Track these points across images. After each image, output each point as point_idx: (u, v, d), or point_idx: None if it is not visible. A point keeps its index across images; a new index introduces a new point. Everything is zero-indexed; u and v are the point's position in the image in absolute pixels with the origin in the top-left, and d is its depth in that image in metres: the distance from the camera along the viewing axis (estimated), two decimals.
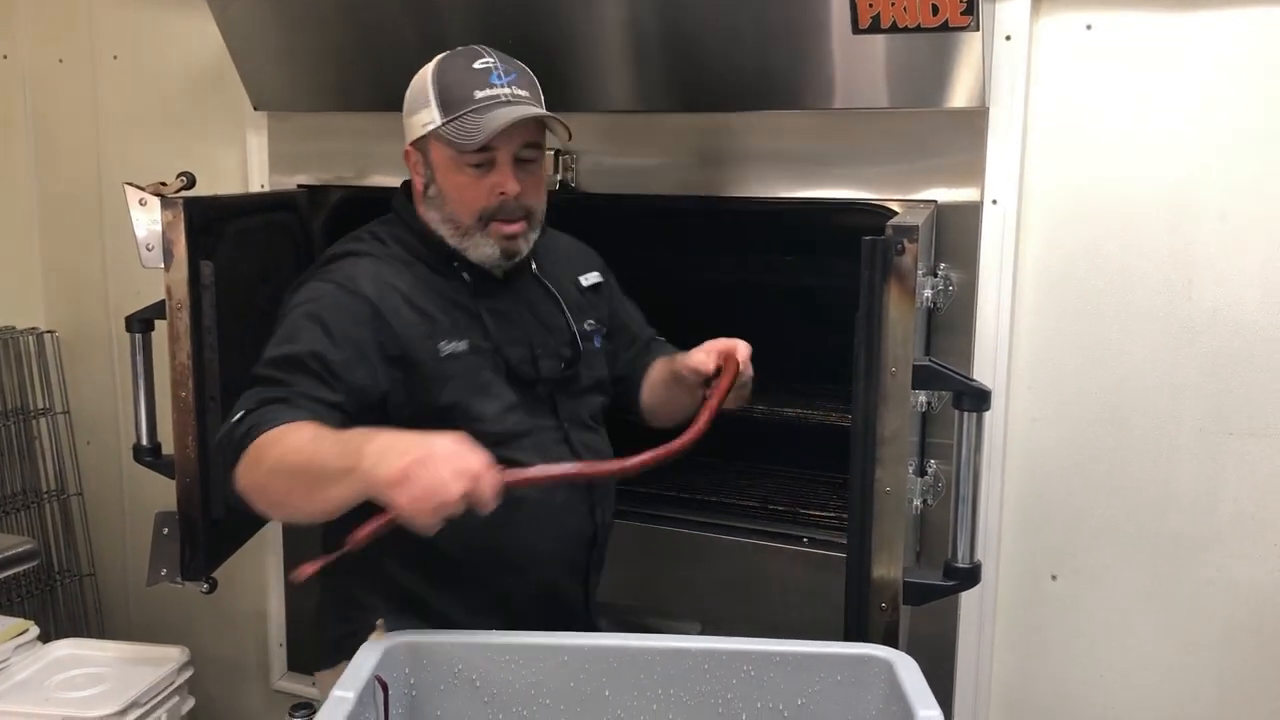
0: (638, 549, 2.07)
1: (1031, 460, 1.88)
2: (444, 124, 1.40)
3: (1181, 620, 1.85)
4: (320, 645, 1.51)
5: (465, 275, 1.47)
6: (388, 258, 1.46)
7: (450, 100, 1.41)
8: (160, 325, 1.82)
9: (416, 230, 1.49)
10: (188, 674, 1.95)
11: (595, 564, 1.56)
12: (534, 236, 1.48)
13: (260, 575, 2.47)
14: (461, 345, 1.43)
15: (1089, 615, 1.91)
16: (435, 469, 1.09)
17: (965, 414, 1.37)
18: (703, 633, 2.05)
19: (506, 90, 1.41)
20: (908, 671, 1.14)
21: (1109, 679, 1.91)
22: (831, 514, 2.04)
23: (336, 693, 1.06)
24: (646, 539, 2.09)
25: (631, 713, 1.18)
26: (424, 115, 1.43)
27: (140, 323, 1.89)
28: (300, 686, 2.52)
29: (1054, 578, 1.92)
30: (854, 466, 1.30)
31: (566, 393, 1.54)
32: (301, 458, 1.19)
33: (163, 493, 1.94)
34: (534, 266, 1.55)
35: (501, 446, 1.32)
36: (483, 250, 1.45)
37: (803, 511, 2.07)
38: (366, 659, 1.13)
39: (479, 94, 1.40)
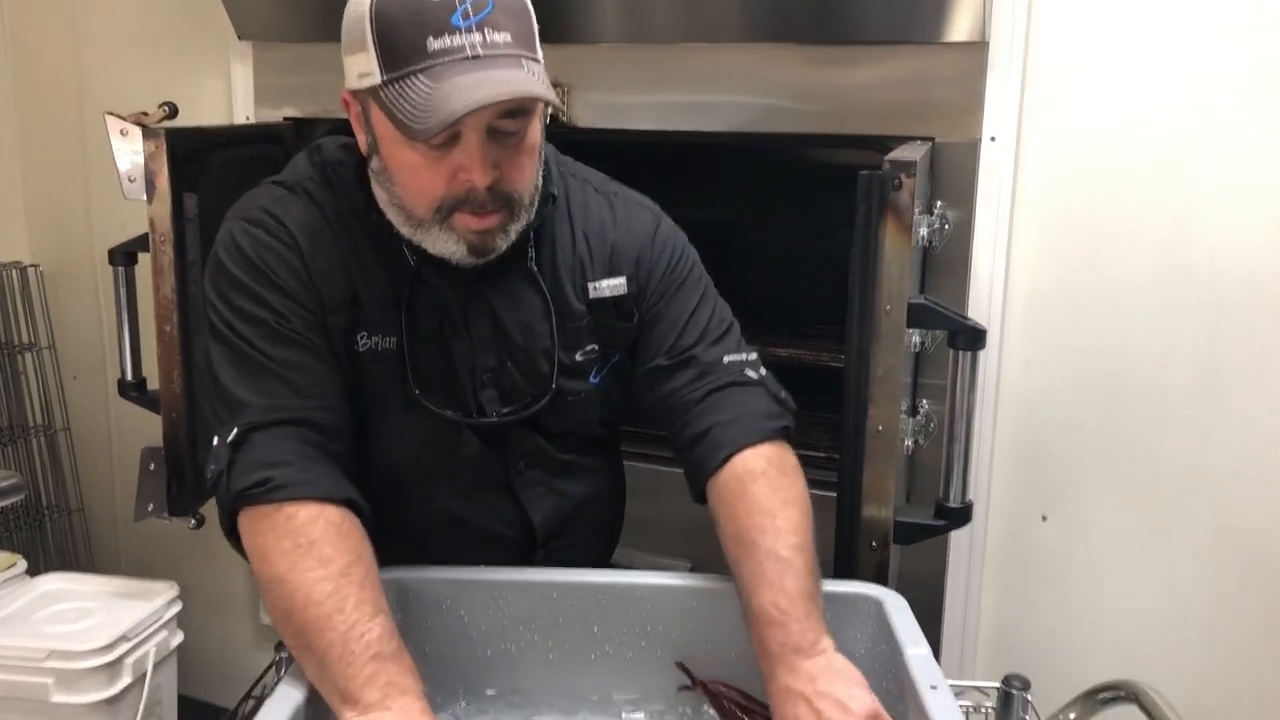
0: (629, 489, 2.07)
1: (1024, 402, 1.88)
2: (385, 83, 1.02)
3: (1171, 564, 1.86)
4: None
5: (411, 258, 1.14)
6: (324, 201, 1.15)
7: (393, 49, 1.01)
8: (144, 259, 1.79)
9: (361, 185, 1.15)
10: (176, 609, 1.95)
11: (554, 554, 1.28)
12: (519, 226, 1.12)
13: None
14: (386, 343, 1.14)
15: (1079, 557, 1.92)
16: None
17: (960, 353, 1.36)
18: (692, 571, 2.06)
19: (475, 38, 1.00)
20: (897, 609, 1.14)
21: (1097, 620, 1.92)
22: (822, 454, 2.03)
23: None
24: (635, 479, 2.08)
25: (620, 648, 1.18)
26: (361, 61, 1.04)
27: (123, 256, 1.86)
28: None
29: (1044, 519, 1.93)
30: (846, 406, 1.29)
31: (534, 429, 1.22)
32: (301, 627, 0.99)
33: (150, 428, 1.92)
34: (531, 256, 1.19)
35: (409, 484, 1.19)
36: (443, 246, 1.10)
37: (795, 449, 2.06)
38: None
39: (434, 44, 0.99)
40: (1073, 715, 1.23)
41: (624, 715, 1.16)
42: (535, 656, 1.18)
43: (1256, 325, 1.73)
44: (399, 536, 1.20)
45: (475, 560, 1.21)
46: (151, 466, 1.82)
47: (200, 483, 1.85)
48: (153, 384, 1.90)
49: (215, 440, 1.07)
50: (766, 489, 1.13)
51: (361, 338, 1.14)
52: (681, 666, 1.16)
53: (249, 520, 1.04)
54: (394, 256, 1.14)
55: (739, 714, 1.11)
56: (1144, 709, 1.14)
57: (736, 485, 1.14)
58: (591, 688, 1.18)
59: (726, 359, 1.21)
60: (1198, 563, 1.84)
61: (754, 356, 1.24)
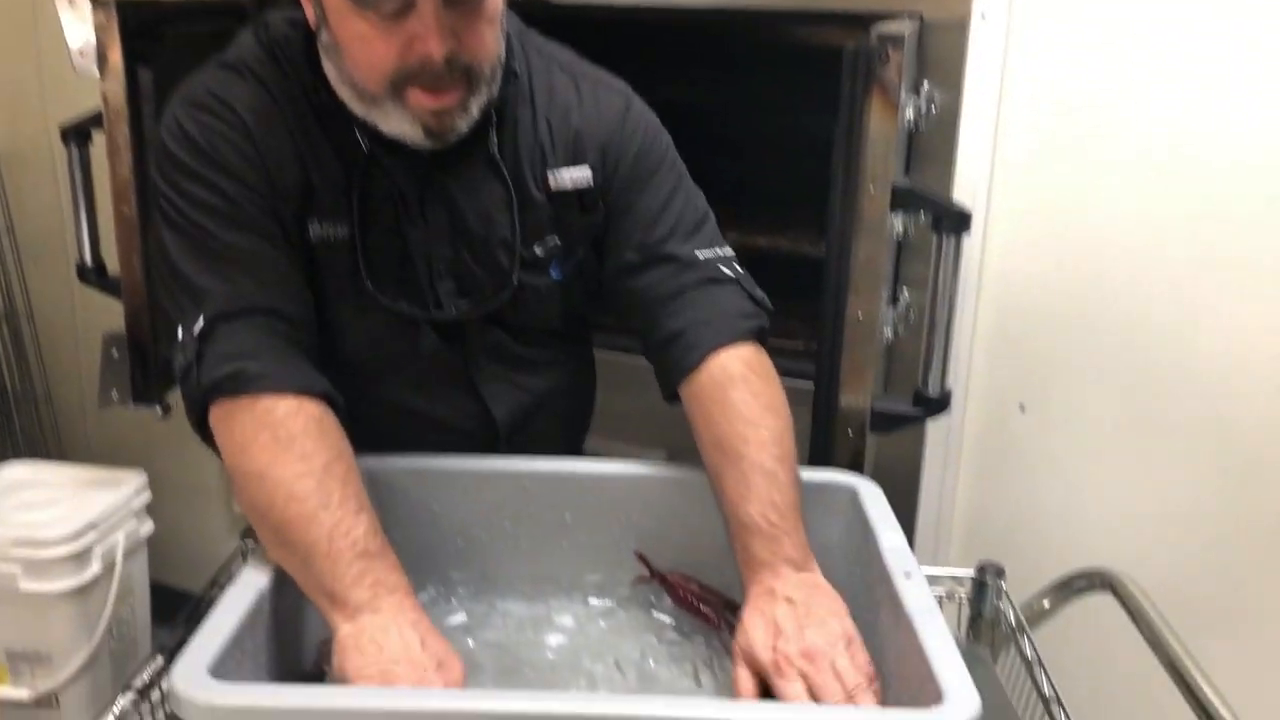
0: (602, 380, 2.05)
1: (1007, 289, 1.85)
2: None
3: (1149, 455, 1.85)
4: None
5: (364, 142, 1.07)
6: (272, 82, 1.07)
7: None
8: (99, 138, 1.72)
9: (311, 64, 1.07)
10: (145, 497, 1.92)
11: (517, 448, 1.23)
12: (480, 102, 1.04)
13: None
14: (339, 232, 1.08)
15: (1056, 447, 1.91)
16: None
17: (945, 238, 1.32)
18: (668, 460, 2.05)
19: None
20: (872, 498, 1.12)
21: (1072, 510, 1.93)
22: (800, 345, 2.01)
23: None
24: (610, 370, 2.06)
25: (593, 537, 1.16)
26: None
27: (77, 134, 1.79)
28: None
29: (1023, 409, 1.91)
30: (826, 293, 1.25)
31: (494, 323, 1.18)
32: (282, 524, 0.95)
33: (116, 313, 1.87)
34: (492, 138, 1.11)
35: (364, 377, 1.14)
36: (397, 125, 1.03)
37: (771, 342, 2.03)
38: None
39: None
40: (1046, 603, 1.23)
41: (590, 600, 1.15)
42: (505, 544, 1.16)
43: (1247, 215, 1.69)
44: (357, 430, 1.15)
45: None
46: (114, 353, 1.78)
47: (166, 370, 1.81)
48: (113, 268, 1.84)
49: (180, 332, 1.02)
50: (747, 394, 1.10)
51: (313, 226, 1.08)
52: (640, 557, 1.14)
53: (223, 413, 1.00)
54: (346, 140, 1.08)
55: (697, 605, 1.10)
56: (1118, 597, 1.14)
57: (715, 389, 1.11)
58: (561, 574, 1.16)
59: (701, 254, 1.15)
60: (1176, 454, 1.83)
61: (729, 252, 1.19)
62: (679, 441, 2.02)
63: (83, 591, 1.77)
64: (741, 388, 1.10)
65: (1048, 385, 1.89)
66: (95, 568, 1.79)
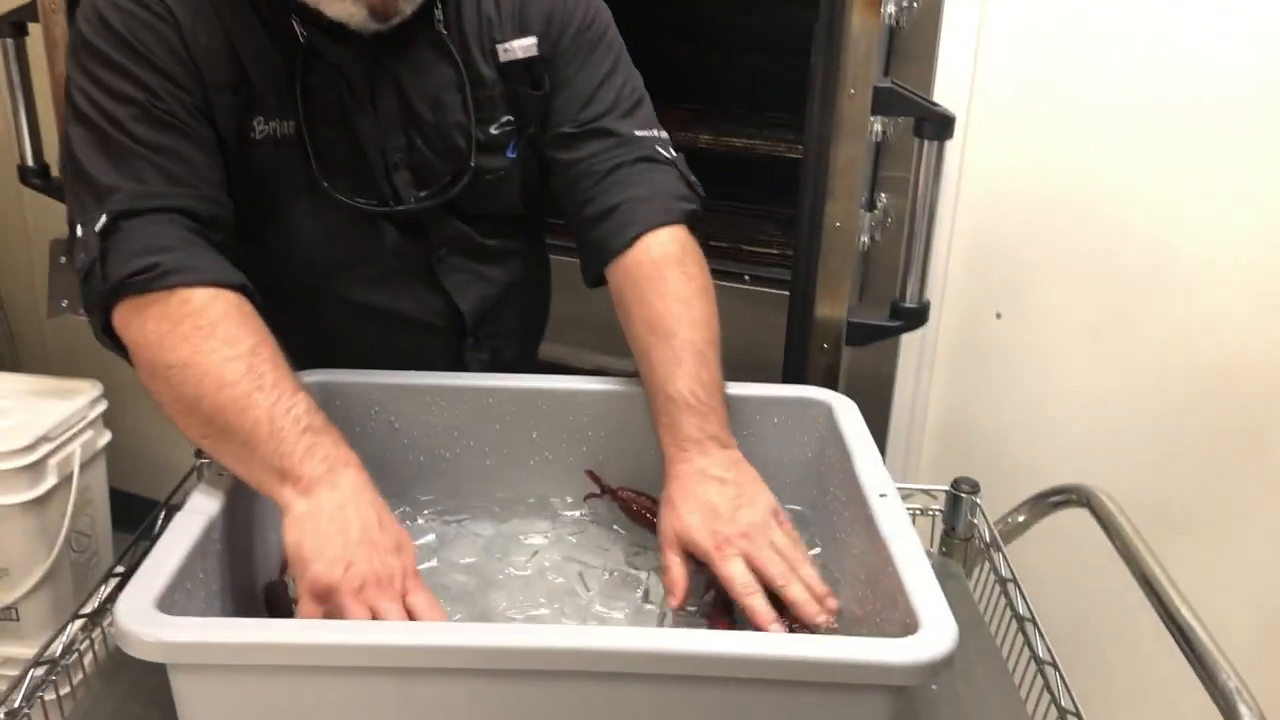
0: (571, 288, 1.99)
1: (986, 194, 1.80)
2: None
3: (1123, 362, 1.84)
4: None
5: (301, 31, 1.02)
6: None
7: None
8: (35, 30, 1.62)
9: None
10: (101, 407, 1.87)
11: (484, 341, 1.22)
12: None
13: None
14: (285, 128, 1.04)
15: (1030, 354, 1.89)
16: (364, 598, 0.83)
17: (926, 143, 1.26)
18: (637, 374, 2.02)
19: None
20: (846, 414, 1.09)
21: (1044, 417, 1.91)
22: (775, 250, 1.96)
23: None
24: (579, 277, 2.01)
25: (560, 455, 1.13)
26: None
27: (10, 26, 1.68)
28: None
29: (998, 315, 1.89)
30: (803, 199, 1.20)
31: (452, 213, 1.14)
32: (215, 411, 0.91)
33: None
34: (437, 16, 1.07)
35: (322, 277, 1.11)
36: (340, 8, 0.99)
37: (745, 248, 1.99)
38: None
39: None
40: (1021, 518, 1.21)
41: (560, 518, 1.12)
42: (471, 463, 1.12)
43: (1233, 124, 1.65)
44: (323, 333, 1.14)
45: (405, 351, 1.15)
46: (62, 260, 1.71)
47: None
48: (56, 170, 1.76)
49: (80, 230, 0.96)
50: (681, 275, 1.08)
51: (258, 124, 1.03)
52: (591, 475, 1.11)
53: (133, 310, 0.94)
54: (283, 30, 1.02)
55: (649, 517, 1.07)
56: (1094, 513, 1.12)
57: (651, 268, 1.08)
58: (529, 493, 1.13)
59: (638, 133, 1.13)
60: (1149, 362, 1.82)
61: (665, 135, 1.16)
62: None
63: (39, 504, 1.73)
64: (676, 269, 1.08)
65: (1025, 292, 1.86)
66: (51, 479, 1.74)
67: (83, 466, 1.80)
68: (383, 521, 0.89)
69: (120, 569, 1.01)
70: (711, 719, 0.78)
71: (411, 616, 0.84)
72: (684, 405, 1.02)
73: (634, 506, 1.08)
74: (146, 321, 0.94)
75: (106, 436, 1.90)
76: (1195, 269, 1.75)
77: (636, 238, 1.09)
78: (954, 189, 1.80)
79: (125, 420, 2.30)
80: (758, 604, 0.90)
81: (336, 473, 0.89)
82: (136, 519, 1.27)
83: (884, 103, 1.18)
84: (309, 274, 1.11)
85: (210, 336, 0.92)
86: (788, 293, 1.86)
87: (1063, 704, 0.91)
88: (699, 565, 0.96)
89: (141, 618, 0.74)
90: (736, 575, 0.92)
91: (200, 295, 0.93)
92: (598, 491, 1.11)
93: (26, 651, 1.76)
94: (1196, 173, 1.69)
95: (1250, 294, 1.73)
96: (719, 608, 0.96)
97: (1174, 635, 0.92)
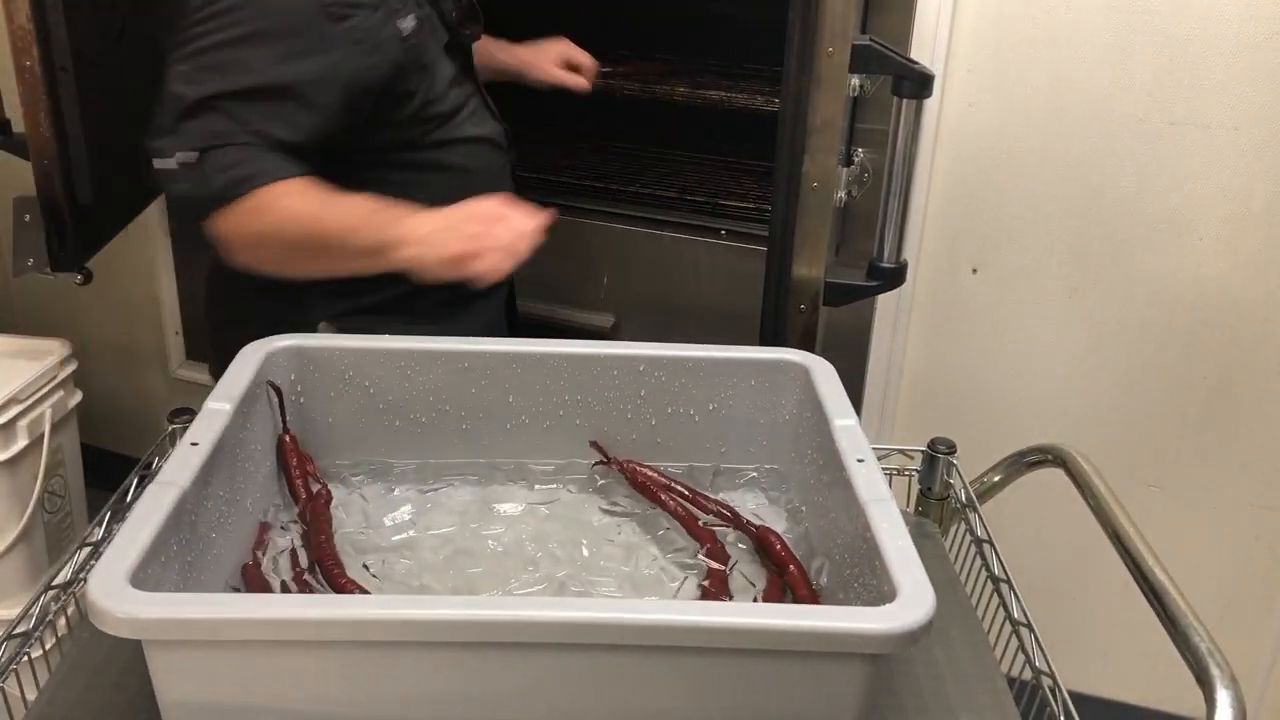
0: (550, 245, 1.98)
1: (962, 149, 1.80)
2: None
3: (1098, 316, 1.84)
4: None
5: None
6: None
7: None
8: None
9: None
10: (71, 367, 1.85)
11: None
12: None
13: (148, 260, 2.35)
14: (410, 20, 1.24)
15: (1006, 309, 1.90)
16: (492, 239, 1.13)
17: (904, 101, 1.25)
18: (616, 324, 2.01)
19: None
20: (824, 377, 1.08)
21: (1020, 372, 1.92)
22: (751, 204, 1.95)
23: (210, 405, 0.97)
24: (556, 229, 1.99)
25: (536, 419, 1.12)
26: None
27: None
28: (202, 375, 2.45)
29: (974, 271, 1.89)
30: (780, 158, 1.19)
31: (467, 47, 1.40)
32: (314, 229, 1.16)
33: (27, 174, 1.75)
34: None
35: (447, 127, 1.31)
36: None
37: (721, 202, 1.98)
38: (244, 367, 1.04)
39: None
40: (997, 478, 1.22)
41: (537, 486, 1.11)
42: (448, 427, 1.12)
43: (1209, 67, 1.64)
44: (463, 176, 1.34)
45: (498, 170, 1.42)
46: (26, 218, 1.68)
47: (87, 235, 1.72)
48: (19, 126, 1.72)
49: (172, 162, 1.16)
50: None
51: (401, 21, 1.22)
52: (595, 446, 1.11)
53: (238, 216, 1.16)
54: None
55: (654, 490, 1.07)
56: (1069, 474, 1.12)
57: None
58: (507, 458, 1.13)
59: None
60: (1125, 315, 1.83)
61: None
62: (626, 306, 1.98)
63: (10, 466, 1.71)
64: None
65: (1001, 246, 1.86)
66: (22, 441, 1.72)
67: (54, 427, 1.78)
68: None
69: (96, 537, 1.00)
70: (686, 688, 0.78)
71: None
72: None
73: (639, 478, 1.08)
74: (234, 223, 1.17)
75: (77, 396, 1.88)
76: (1169, 223, 1.75)
77: None
78: (931, 142, 1.79)
79: (95, 377, 2.28)
80: None
81: (400, 223, 1.14)
82: (109, 476, 1.26)
83: (862, 61, 1.17)
84: (444, 126, 1.31)
85: (280, 205, 1.16)
86: (763, 247, 1.86)
87: (1037, 665, 0.92)
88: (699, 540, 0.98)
89: (113, 593, 0.73)
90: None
91: (270, 194, 1.15)
92: (604, 461, 1.11)
93: (2, 613, 1.75)
94: (1174, 125, 1.69)
95: (1221, 247, 1.74)
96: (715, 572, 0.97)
97: (1148, 597, 0.93)
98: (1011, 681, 0.97)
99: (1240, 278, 1.74)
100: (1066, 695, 0.87)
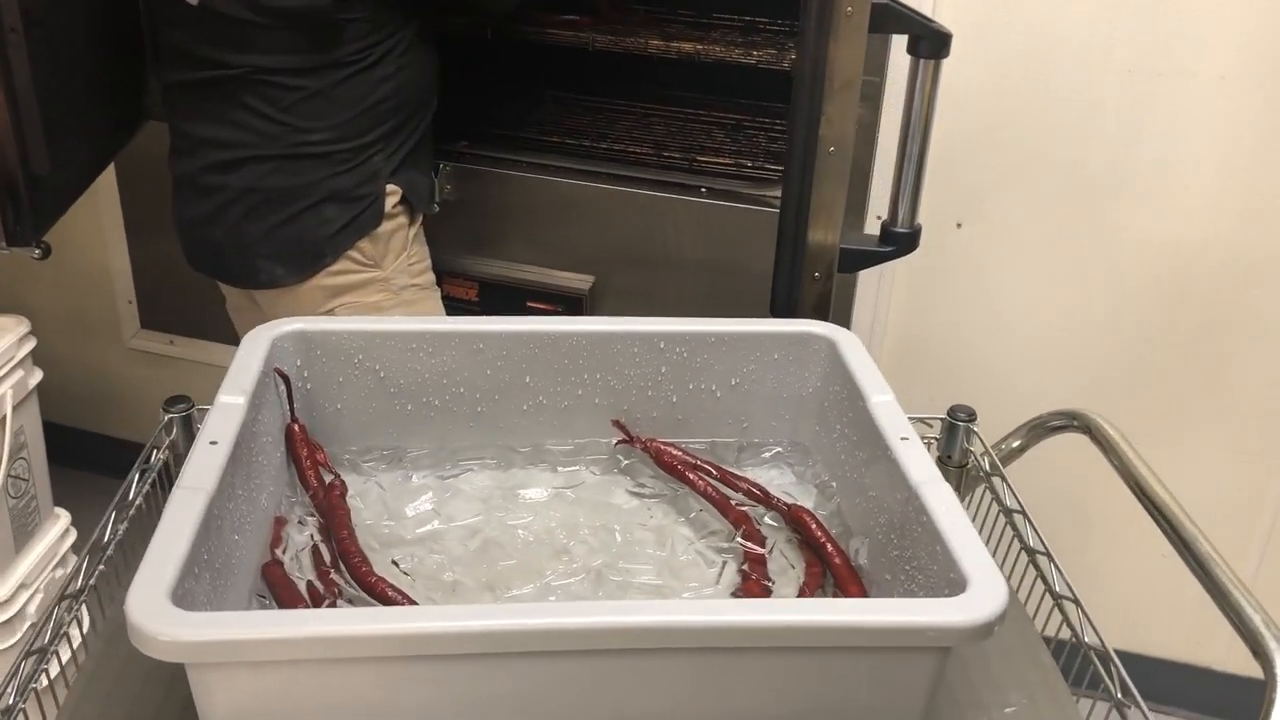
0: (520, 201, 1.93)
1: (951, 103, 1.76)
2: None
3: (1083, 267, 1.84)
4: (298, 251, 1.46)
5: None
6: None
7: None
8: None
9: None
10: (30, 345, 1.76)
11: None
12: None
13: (98, 228, 2.24)
14: None
15: (990, 263, 1.89)
16: None
17: (922, 61, 1.21)
18: (595, 286, 1.97)
19: None
20: (852, 350, 1.06)
21: (1003, 326, 1.92)
22: (729, 160, 1.91)
23: (224, 399, 0.92)
24: (528, 190, 1.93)
25: (555, 399, 1.08)
26: None
27: None
28: (157, 345, 2.37)
29: (959, 225, 1.87)
30: (796, 121, 1.15)
31: None
32: None
33: None
34: None
35: None
36: None
37: (698, 159, 1.93)
38: (252, 355, 0.98)
39: None
40: (1016, 443, 1.21)
41: (559, 468, 1.08)
42: (462, 410, 1.07)
43: (1195, 14, 1.63)
44: None
45: None
46: None
47: (43, 207, 1.62)
48: None
49: None
50: None
51: None
52: (618, 425, 1.08)
53: None
54: None
55: (682, 470, 1.04)
56: (1095, 439, 1.11)
57: None
58: (524, 440, 1.09)
59: None
60: (1110, 267, 1.83)
61: None
62: (605, 265, 1.93)
63: None
64: None
65: (986, 200, 1.84)
66: None
67: (15, 409, 1.70)
68: None
69: (103, 540, 0.95)
70: (754, 686, 0.76)
71: None
72: None
73: (665, 458, 1.05)
74: None
75: (38, 375, 1.79)
76: (1155, 174, 1.75)
77: None
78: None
79: (46, 350, 2.18)
80: None
81: None
82: (67, 452, 1.19)
83: (881, 20, 1.13)
84: None
85: None
86: (747, 206, 1.82)
87: (1086, 639, 0.91)
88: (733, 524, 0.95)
89: (157, 615, 0.69)
90: None
91: None
92: (627, 439, 1.08)
93: None
94: (1164, 70, 1.68)
95: (1208, 196, 1.74)
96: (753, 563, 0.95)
97: (1192, 567, 0.92)
98: (1047, 641, 0.97)
99: (1226, 228, 1.74)
100: (1123, 672, 0.86)
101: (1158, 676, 1.96)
